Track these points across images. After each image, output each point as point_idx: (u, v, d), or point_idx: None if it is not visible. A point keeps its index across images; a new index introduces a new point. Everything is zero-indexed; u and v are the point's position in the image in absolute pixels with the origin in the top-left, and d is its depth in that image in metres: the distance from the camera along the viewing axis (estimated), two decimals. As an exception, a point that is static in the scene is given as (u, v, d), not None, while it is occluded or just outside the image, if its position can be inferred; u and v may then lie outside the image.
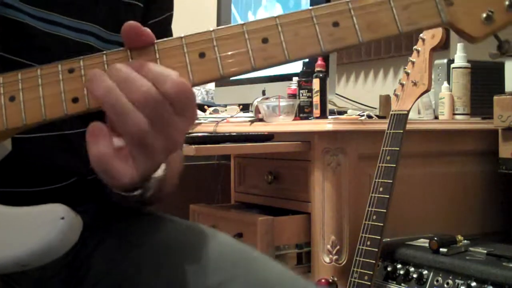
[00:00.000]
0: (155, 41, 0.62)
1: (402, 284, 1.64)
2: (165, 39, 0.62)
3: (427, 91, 1.66)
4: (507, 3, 0.61)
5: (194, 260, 0.73)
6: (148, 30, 0.61)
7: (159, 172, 0.67)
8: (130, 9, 0.84)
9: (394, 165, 1.61)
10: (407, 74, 1.68)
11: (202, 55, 0.61)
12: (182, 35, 0.62)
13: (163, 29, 0.89)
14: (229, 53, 0.61)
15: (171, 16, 0.91)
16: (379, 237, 1.58)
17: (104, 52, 0.62)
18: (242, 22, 0.62)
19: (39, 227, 0.59)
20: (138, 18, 0.85)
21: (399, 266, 1.67)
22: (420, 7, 0.61)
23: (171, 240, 0.78)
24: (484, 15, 0.61)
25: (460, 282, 1.51)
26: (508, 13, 0.61)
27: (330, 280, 1.77)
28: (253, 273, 0.72)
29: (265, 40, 0.61)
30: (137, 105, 0.56)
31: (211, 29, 0.62)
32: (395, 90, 1.71)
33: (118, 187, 0.62)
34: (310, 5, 2.19)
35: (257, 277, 0.72)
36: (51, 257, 0.60)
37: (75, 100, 0.61)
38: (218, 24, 2.75)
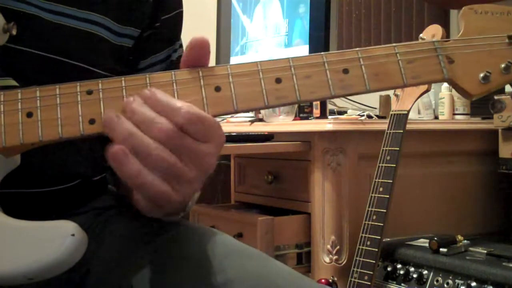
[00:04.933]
0: (174, 71, 0.63)
1: (402, 284, 1.64)
2: (183, 69, 0.63)
3: (427, 91, 1.67)
4: (503, 66, 0.65)
5: (197, 261, 0.73)
6: (209, 55, 0.63)
7: (196, 194, 0.69)
8: (139, 4, 0.84)
9: (394, 165, 1.61)
10: (407, 74, 1.68)
11: (217, 89, 0.63)
12: (199, 68, 0.63)
13: (175, 25, 0.90)
14: (244, 89, 0.63)
15: (181, 14, 0.91)
16: (379, 237, 1.58)
17: (123, 77, 0.63)
18: (257, 61, 0.64)
19: (49, 242, 0.60)
20: (148, 13, 0.85)
21: (399, 266, 1.67)
22: (425, 63, 0.65)
23: (173, 241, 0.77)
24: (482, 75, 0.66)
25: (460, 282, 1.51)
26: (504, 75, 0.66)
27: (330, 280, 1.77)
28: (259, 274, 0.72)
29: (278, 80, 0.63)
30: (160, 142, 0.57)
31: (228, 65, 0.64)
32: (395, 90, 1.71)
33: (164, 208, 0.62)
34: (310, 5, 2.19)
35: (263, 277, 0.71)
36: (57, 272, 0.60)
37: (92, 121, 0.62)
38: (218, 22, 2.75)
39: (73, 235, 0.60)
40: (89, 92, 0.62)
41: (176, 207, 0.62)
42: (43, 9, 0.76)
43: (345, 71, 0.64)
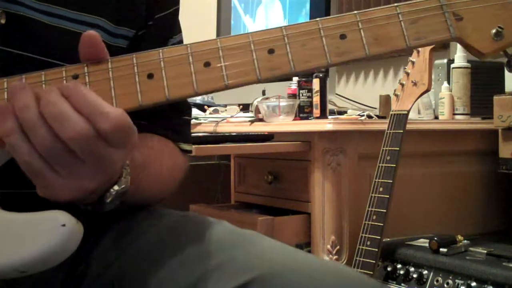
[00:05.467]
0: (161, 49, 0.62)
1: (402, 284, 1.64)
2: (171, 47, 0.62)
3: (427, 91, 1.66)
4: None
5: (193, 245, 0.73)
6: (105, 49, 0.61)
7: (115, 187, 0.66)
8: (134, 2, 0.83)
9: (394, 165, 1.61)
10: (407, 74, 1.68)
11: (207, 64, 0.61)
12: (188, 44, 0.62)
13: (169, 23, 0.89)
14: (235, 63, 0.60)
15: (177, 10, 0.90)
16: (379, 237, 1.58)
17: (108, 58, 0.62)
18: (248, 32, 0.61)
19: (40, 234, 0.59)
20: (142, 12, 0.84)
21: (399, 266, 1.66)
22: (429, 22, 0.61)
23: (169, 228, 0.78)
24: (494, 31, 0.61)
25: (460, 282, 1.51)
26: None
27: (330, 280, 1.77)
28: (253, 252, 0.71)
29: (271, 51, 0.61)
30: (69, 142, 0.56)
31: (217, 38, 0.62)
32: (395, 90, 1.71)
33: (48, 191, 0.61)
34: (310, 5, 2.19)
35: (257, 255, 0.71)
36: (51, 264, 0.60)
37: None
38: (218, 22, 2.75)
39: (63, 225, 0.59)
40: (75, 77, 0.61)
41: (68, 194, 0.60)
42: (37, 11, 0.75)
43: (342, 36, 0.61)
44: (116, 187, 0.64)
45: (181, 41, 0.91)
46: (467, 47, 0.62)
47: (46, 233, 0.59)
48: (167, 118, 0.86)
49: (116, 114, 0.56)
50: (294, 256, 0.72)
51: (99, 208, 0.66)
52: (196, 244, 0.73)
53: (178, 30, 0.91)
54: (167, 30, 0.88)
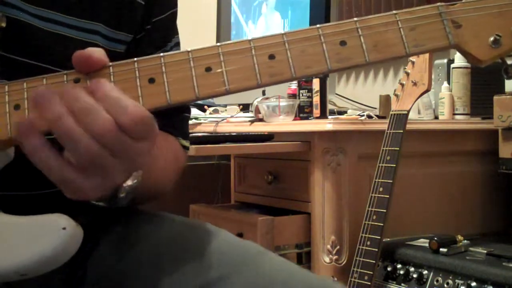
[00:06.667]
0: (162, 54, 0.62)
1: (402, 284, 1.64)
2: (172, 52, 0.63)
3: (427, 91, 1.67)
4: None
5: (194, 256, 0.74)
6: (99, 57, 0.61)
7: (128, 182, 0.65)
8: (132, 7, 0.83)
9: (394, 165, 1.61)
10: (407, 74, 1.68)
11: (208, 69, 0.61)
12: (189, 49, 0.62)
13: (167, 26, 0.89)
14: (236, 68, 0.61)
15: (175, 13, 0.90)
16: (379, 237, 1.58)
17: (110, 63, 0.62)
18: (249, 38, 0.62)
19: (40, 237, 0.59)
20: (140, 16, 0.84)
21: (399, 266, 1.67)
22: (428, 29, 0.62)
23: (170, 237, 0.78)
24: (492, 38, 0.62)
25: (460, 282, 1.51)
26: None
27: (330, 280, 1.78)
28: (254, 268, 0.72)
29: (271, 57, 0.61)
30: (96, 137, 0.56)
31: (218, 44, 0.62)
32: (395, 90, 1.71)
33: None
34: (310, 10, 2.19)
35: (258, 272, 0.71)
36: (51, 267, 0.60)
37: None
38: (218, 25, 2.75)
39: (64, 228, 0.59)
40: (76, 81, 0.62)
41: (99, 194, 0.61)
42: (36, 16, 0.74)
43: (343, 43, 0.61)
44: (129, 182, 0.64)
45: (178, 43, 0.92)
46: (465, 54, 0.63)
47: (46, 236, 0.59)
48: (168, 115, 0.87)
49: (136, 109, 0.57)
50: (296, 274, 0.72)
51: (112, 204, 0.66)
52: (197, 254, 0.73)
53: (175, 33, 0.91)
54: (165, 33, 0.88)
